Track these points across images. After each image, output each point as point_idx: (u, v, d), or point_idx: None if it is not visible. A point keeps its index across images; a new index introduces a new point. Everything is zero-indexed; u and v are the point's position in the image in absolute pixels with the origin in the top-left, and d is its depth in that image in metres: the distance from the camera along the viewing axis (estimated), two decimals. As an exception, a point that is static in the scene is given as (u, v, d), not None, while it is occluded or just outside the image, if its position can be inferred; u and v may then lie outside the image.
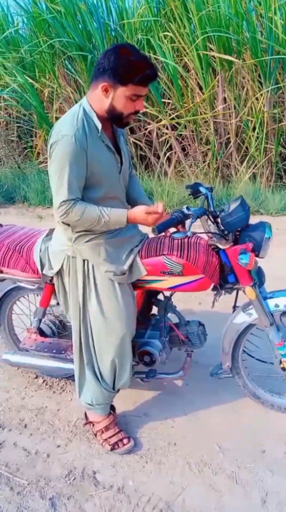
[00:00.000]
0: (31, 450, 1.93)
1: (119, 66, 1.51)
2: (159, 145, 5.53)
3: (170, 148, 5.49)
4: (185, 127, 5.28)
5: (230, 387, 2.13)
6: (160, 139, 5.49)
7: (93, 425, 1.95)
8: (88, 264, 1.76)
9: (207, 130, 5.29)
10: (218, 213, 1.73)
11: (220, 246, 1.74)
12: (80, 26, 5.32)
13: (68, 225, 1.72)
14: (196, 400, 2.14)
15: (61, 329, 2.22)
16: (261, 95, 4.85)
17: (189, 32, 4.79)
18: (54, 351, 2.07)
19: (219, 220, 1.72)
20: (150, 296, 2.02)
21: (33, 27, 5.77)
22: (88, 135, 1.60)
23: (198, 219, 1.72)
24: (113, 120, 1.66)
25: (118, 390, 1.91)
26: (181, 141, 5.49)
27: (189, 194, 1.88)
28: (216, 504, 1.64)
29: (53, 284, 1.92)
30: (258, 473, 1.75)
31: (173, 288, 1.82)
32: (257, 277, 1.79)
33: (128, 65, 1.51)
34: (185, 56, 5.12)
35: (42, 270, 1.89)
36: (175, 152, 5.42)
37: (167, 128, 5.29)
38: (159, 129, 5.41)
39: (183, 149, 5.52)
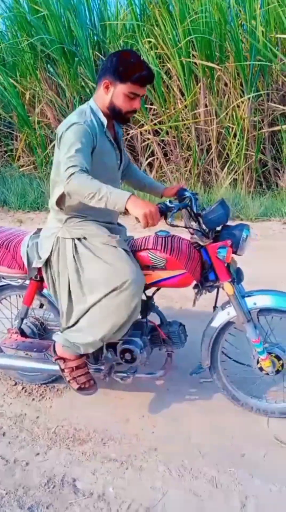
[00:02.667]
0: (10, 459, 1.90)
1: (119, 65, 1.69)
2: (141, 150, 5.56)
3: (152, 153, 5.52)
4: (167, 133, 5.32)
5: (210, 392, 2.14)
6: (142, 144, 5.52)
7: (65, 361, 1.93)
8: (77, 242, 1.81)
9: (188, 136, 5.35)
10: (200, 211, 1.81)
11: (201, 243, 1.83)
12: (63, 27, 5.30)
13: (60, 208, 1.80)
14: (176, 404, 2.14)
15: (42, 331, 2.21)
16: (242, 102, 4.94)
17: (172, 38, 4.84)
18: (35, 349, 2.06)
19: (200, 218, 1.80)
20: None
21: (14, 26, 5.74)
22: (96, 128, 1.73)
23: (183, 219, 1.84)
24: (114, 116, 1.79)
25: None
26: (163, 146, 5.53)
27: (175, 198, 1.98)
28: (196, 509, 1.64)
29: (38, 281, 1.97)
30: (237, 477, 1.76)
31: (156, 283, 1.88)
32: (236, 276, 1.86)
33: (127, 65, 1.69)
34: (168, 62, 5.17)
35: (29, 265, 1.93)
36: (157, 158, 5.45)
37: (149, 133, 5.32)
38: (141, 134, 5.44)
39: (165, 154, 5.57)
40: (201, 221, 1.80)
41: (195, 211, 1.84)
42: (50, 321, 2.20)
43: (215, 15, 4.71)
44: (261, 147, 5.18)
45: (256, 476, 1.76)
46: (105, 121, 1.77)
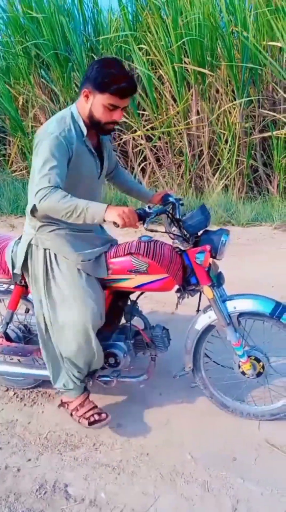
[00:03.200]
0: (1, 465, 1.89)
1: (99, 74, 1.63)
2: (134, 155, 5.59)
3: (145, 158, 5.55)
4: (159, 139, 5.36)
5: (202, 396, 2.15)
6: (135, 150, 5.55)
7: (68, 405, 1.97)
8: (49, 253, 1.81)
9: (180, 141, 5.39)
10: (180, 217, 1.85)
11: (182, 248, 1.86)
12: (57, 32, 5.31)
13: (33, 215, 1.77)
14: (168, 409, 2.15)
15: (27, 334, 2.22)
16: (234, 108, 4.99)
17: (164, 44, 4.89)
18: (20, 353, 2.06)
19: (181, 223, 1.83)
20: (117, 300, 2.06)
21: (8, 31, 5.75)
22: (74, 137, 1.69)
23: (165, 226, 1.88)
24: (93, 126, 1.75)
25: (90, 374, 1.95)
26: (155, 152, 5.57)
27: (160, 204, 2.03)
28: (188, 513, 1.65)
29: (22, 286, 1.98)
30: (229, 480, 1.77)
31: (139, 287, 1.90)
32: (217, 280, 1.90)
33: (107, 75, 1.63)
34: (160, 68, 5.22)
35: (13, 270, 1.93)
36: (150, 163, 5.48)
37: (142, 139, 5.36)
38: (134, 139, 5.47)
39: (157, 160, 5.60)
40: (182, 227, 1.83)
41: (177, 216, 1.88)
42: (34, 324, 2.20)
43: (207, 21, 4.77)
44: (252, 153, 5.23)
45: (247, 480, 1.77)
46: (85, 130, 1.73)
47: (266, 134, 5.13)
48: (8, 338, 2.12)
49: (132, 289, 1.93)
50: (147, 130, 5.36)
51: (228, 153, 5.09)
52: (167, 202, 1.98)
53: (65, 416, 2.05)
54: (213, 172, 5.35)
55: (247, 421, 2.04)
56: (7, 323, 2.10)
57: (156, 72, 5.37)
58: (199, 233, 1.88)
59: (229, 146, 5.06)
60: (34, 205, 1.69)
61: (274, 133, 4.92)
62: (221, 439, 1.96)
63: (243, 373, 1.95)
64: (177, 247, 1.88)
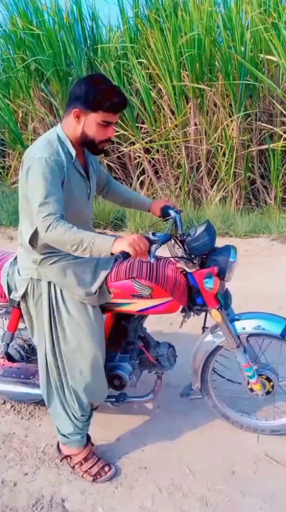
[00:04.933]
0: (-3, 479, 1.87)
1: (90, 93, 1.57)
2: (133, 168, 5.63)
3: (143, 171, 5.59)
4: (158, 151, 5.40)
5: (200, 409, 2.14)
6: (134, 162, 5.59)
7: (70, 458, 1.87)
8: (54, 287, 1.75)
9: (178, 154, 5.43)
10: (184, 237, 1.75)
11: (187, 270, 1.77)
12: (58, 47, 5.38)
13: (33, 246, 1.70)
14: (166, 422, 2.13)
15: (30, 353, 2.18)
16: (232, 121, 5.05)
17: (163, 59, 4.96)
18: (22, 376, 2.02)
19: (185, 245, 1.73)
20: (120, 319, 2.00)
21: (8, 46, 5.83)
22: (64, 160, 1.63)
23: (169, 248, 1.77)
24: (88, 146, 1.70)
25: (91, 413, 1.88)
26: (154, 164, 5.61)
27: (159, 216, 1.94)
28: (186, 528, 1.63)
29: (20, 308, 1.88)
30: (228, 494, 1.75)
31: (142, 311, 1.82)
32: (224, 300, 1.81)
33: (98, 92, 1.57)
34: (159, 82, 5.29)
35: (9, 294, 1.84)
36: (148, 175, 5.52)
37: (140, 152, 5.40)
38: (132, 152, 5.51)
39: (156, 172, 5.64)
40: (186, 248, 1.73)
41: (180, 232, 1.78)
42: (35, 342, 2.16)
43: (206, 37, 4.85)
44: (250, 166, 5.28)
45: (246, 494, 1.75)
46: (73, 152, 1.66)
47: (263, 147, 5.18)
48: (10, 358, 2.07)
49: (135, 313, 1.86)
50: (146, 142, 5.41)
51: (225, 165, 5.14)
52: (168, 217, 1.89)
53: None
54: (211, 184, 5.38)
55: (246, 435, 2.03)
56: (8, 344, 2.06)
57: (155, 86, 5.44)
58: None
59: (227, 158, 5.10)
60: (34, 234, 1.66)
61: (271, 145, 4.97)
62: (220, 452, 1.95)
63: (251, 390, 1.91)
64: (181, 268, 1.79)
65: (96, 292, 1.74)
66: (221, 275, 1.72)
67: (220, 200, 5.19)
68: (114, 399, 1.97)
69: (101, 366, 1.79)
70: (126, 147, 5.45)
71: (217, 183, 5.28)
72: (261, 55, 4.91)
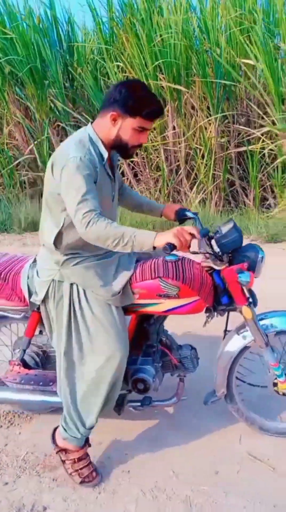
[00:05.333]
0: (-24, 490, 1.81)
1: (130, 98, 1.60)
2: (111, 171, 5.62)
3: (123, 174, 5.59)
4: (137, 154, 5.41)
5: (182, 411, 2.13)
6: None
7: (66, 452, 1.81)
8: (77, 288, 1.73)
9: (157, 157, 5.45)
10: (214, 234, 1.73)
11: (215, 267, 1.75)
12: (33, 50, 5.34)
13: (57, 247, 1.69)
14: (148, 424, 2.11)
15: (45, 360, 2.09)
16: (210, 124, 5.09)
17: (139, 62, 4.98)
18: (41, 383, 1.94)
19: (213, 241, 1.71)
20: (141, 322, 1.94)
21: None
22: (96, 161, 1.63)
23: (199, 245, 1.74)
24: (118, 150, 1.71)
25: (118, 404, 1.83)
26: (133, 167, 5.61)
27: (174, 220, 1.95)
28: (171, 531, 1.61)
29: (40, 312, 1.84)
30: (212, 495, 1.74)
31: (168, 312, 1.78)
32: (252, 298, 1.80)
33: (138, 99, 1.61)
34: (136, 86, 5.29)
35: (30, 297, 1.81)
36: (127, 178, 5.51)
37: (119, 155, 5.40)
38: (111, 155, 5.50)
39: (135, 175, 5.64)
40: (214, 245, 1.70)
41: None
42: (52, 347, 2.05)
43: (182, 40, 4.89)
44: (229, 168, 5.33)
45: (230, 493, 1.74)
46: (105, 153, 1.66)
47: (241, 149, 5.25)
48: (25, 365, 1.99)
49: (161, 313, 1.82)
50: (124, 145, 5.41)
51: (204, 167, 5.18)
52: (185, 218, 1.90)
53: (43, 437, 1.99)
54: (191, 186, 5.42)
55: (228, 435, 2.02)
56: (24, 350, 1.98)
57: (132, 89, 5.45)
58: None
59: (206, 161, 5.15)
60: (58, 234, 1.66)
61: (249, 147, 5.03)
62: (203, 453, 1.94)
63: (277, 392, 1.87)
64: (207, 266, 1.77)
65: (119, 292, 1.72)
66: (251, 270, 1.71)
67: (200, 202, 5.23)
68: (138, 404, 1.91)
69: (123, 368, 1.74)
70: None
71: (196, 185, 5.32)
72: (237, 59, 4.98)
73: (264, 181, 5.38)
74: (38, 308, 1.83)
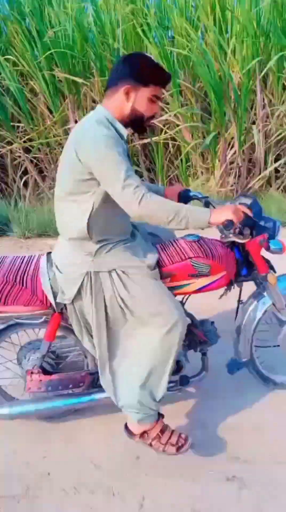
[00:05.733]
0: None
1: (141, 68, 1.59)
2: (13, 168, 5.39)
3: (26, 171, 5.38)
4: (39, 150, 5.24)
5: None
6: (14, 163, 5.35)
7: (147, 434, 1.74)
8: (117, 273, 1.65)
9: (61, 152, 5.33)
10: None
11: (239, 241, 1.79)
12: None
13: (89, 235, 1.61)
14: (63, 421, 2.04)
15: (58, 360, 1.96)
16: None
17: (31, 54, 4.82)
18: (71, 385, 1.82)
19: None
20: None
21: None
22: (120, 139, 1.58)
23: None
24: (134, 124, 1.66)
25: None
26: (37, 163, 5.43)
27: (180, 201, 1.93)
28: (95, 524, 1.58)
29: (61, 313, 1.75)
30: (134, 480, 1.75)
31: (199, 290, 1.81)
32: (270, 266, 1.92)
33: (147, 67, 1.60)
34: (31, 80, 5.12)
35: (55, 298, 1.70)
36: (31, 175, 5.32)
37: (20, 151, 5.18)
38: (11, 152, 5.27)
39: (40, 171, 5.46)
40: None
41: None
42: (60, 348, 1.97)
43: (76, 33, 4.81)
44: (136, 160, 5.39)
45: (151, 475, 1.77)
46: (125, 132, 1.62)
47: (145, 141, 5.32)
48: (45, 371, 1.85)
49: (192, 293, 1.84)
50: (25, 141, 5.21)
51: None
52: (190, 198, 1.93)
53: None
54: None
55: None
56: (43, 356, 1.84)
57: (27, 83, 5.25)
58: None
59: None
60: (89, 221, 1.57)
61: (153, 139, 5.13)
62: (122, 442, 1.91)
63: None
64: (227, 241, 1.84)
65: (155, 267, 1.71)
66: (271, 238, 1.81)
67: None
68: (174, 384, 1.90)
69: (184, 332, 1.69)
70: (3, 147, 5.18)
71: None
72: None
73: (172, 170, 5.53)
74: (61, 309, 1.74)
